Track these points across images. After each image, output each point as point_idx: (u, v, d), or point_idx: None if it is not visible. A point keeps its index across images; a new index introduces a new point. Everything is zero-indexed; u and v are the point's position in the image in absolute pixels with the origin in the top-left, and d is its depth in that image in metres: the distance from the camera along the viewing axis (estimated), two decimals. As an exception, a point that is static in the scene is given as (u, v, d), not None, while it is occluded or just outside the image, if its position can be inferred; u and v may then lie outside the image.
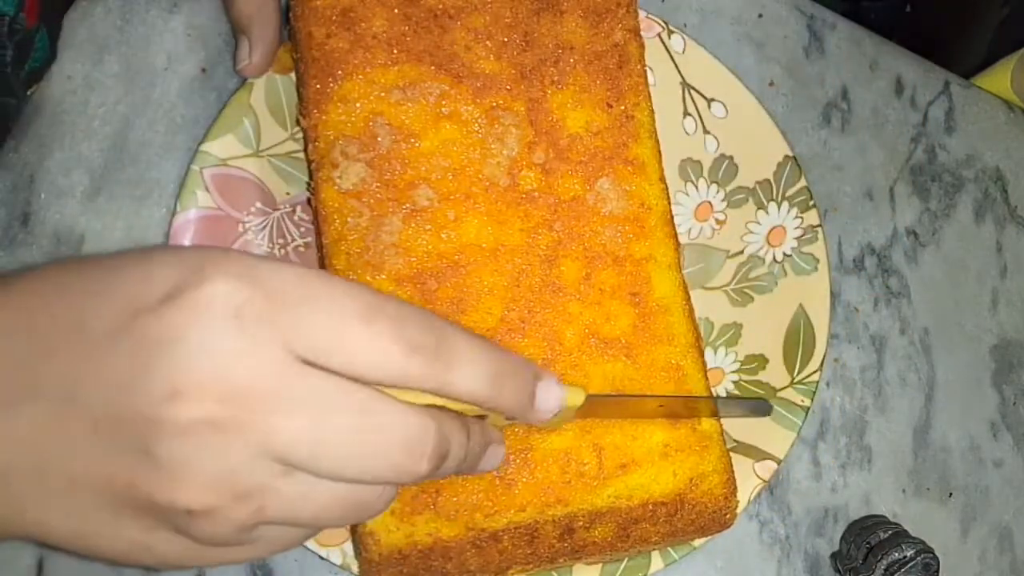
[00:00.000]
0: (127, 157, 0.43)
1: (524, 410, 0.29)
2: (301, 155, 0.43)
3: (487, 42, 0.40)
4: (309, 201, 0.41)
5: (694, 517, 0.40)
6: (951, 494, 0.55)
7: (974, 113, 0.61)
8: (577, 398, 0.32)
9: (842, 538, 0.51)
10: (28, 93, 0.41)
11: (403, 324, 0.25)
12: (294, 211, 0.43)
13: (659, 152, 0.43)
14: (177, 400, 0.23)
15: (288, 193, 0.43)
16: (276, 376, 0.23)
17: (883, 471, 0.54)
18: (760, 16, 0.56)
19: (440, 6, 0.40)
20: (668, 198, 0.42)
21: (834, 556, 0.51)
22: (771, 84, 0.55)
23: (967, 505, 0.56)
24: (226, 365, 0.23)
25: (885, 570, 0.47)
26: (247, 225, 0.42)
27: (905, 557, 0.47)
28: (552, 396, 0.30)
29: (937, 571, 0.48)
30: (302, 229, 0.43)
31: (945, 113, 0.61)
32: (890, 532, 0.49)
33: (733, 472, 0.41)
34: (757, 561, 0.50)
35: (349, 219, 0.38)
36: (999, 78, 0.66)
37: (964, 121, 0.61)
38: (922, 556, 0.47)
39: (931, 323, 0.57)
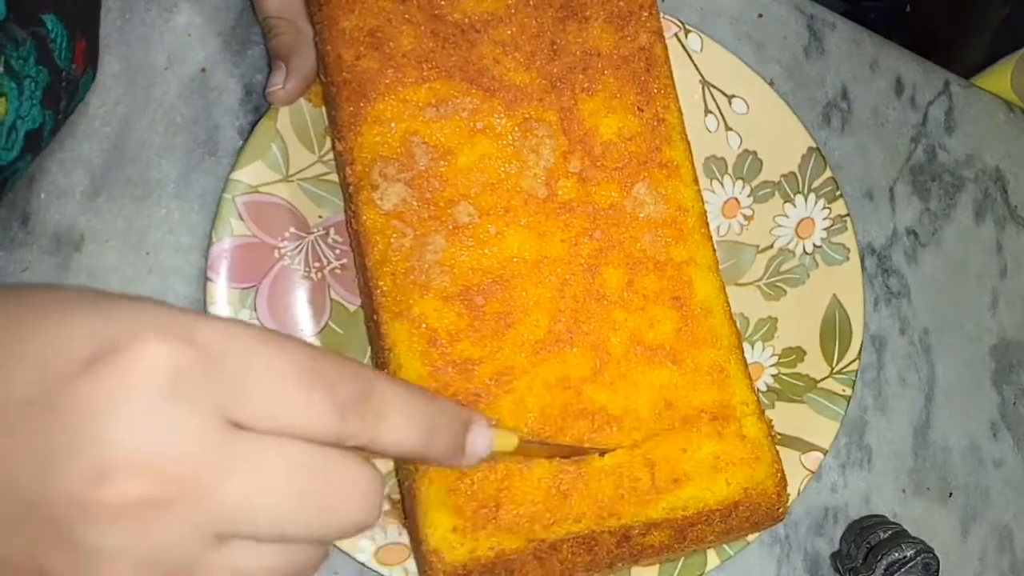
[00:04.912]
0: (127, 157, 0.43)
1: (454, 459, 0.29)
2: (330, 177, 0.43)
3: (515, 54, 0.40)
4: (348, 223, 0.40)
5: (748, 515, 0.40)
6: (951, 494, 0.55)
7: (974, 113, 0.62)
8: (509, 443, 0.33)
9: (842, 538, 0.51)
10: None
11: (336, 383, 0.24)
12: (327, 234, 0.43)
13: (691, 153, 0.43)
14: (106, 481, 0.21)
15: (320, 216, 0.43)
16: (212, 446, 0.22)
17: (883, 471, 0.54)
18: (760, 16, 0.56)
19: (466, 20, 0.39)
20: (703, 199, 0.42)
21: (834, 556, 0.51)
22: (771, 84, 0.55)
23: (967, 505, 0.56)
24: (160, 440, 0.21)
25: (885, 570, 0.47)
26: (283, 251, 0.42)
27: (905, 557, 0.47)
28: (482, 442, 0.30)
29: (937, 571, 0.48)
30: (337, 251, 0.43)
31: (945, 113, 0.61)
32: (890, 532, 0.49)
33: (783, 470, 0.41)
34: (757, 561, 0.50)
35: (392, 240, 0.38)
36: (999, 78, 0.66)
37: (964, 121, 0.61)
38: (922, 556, 0.47)
39: (931, 323, 0.57)
